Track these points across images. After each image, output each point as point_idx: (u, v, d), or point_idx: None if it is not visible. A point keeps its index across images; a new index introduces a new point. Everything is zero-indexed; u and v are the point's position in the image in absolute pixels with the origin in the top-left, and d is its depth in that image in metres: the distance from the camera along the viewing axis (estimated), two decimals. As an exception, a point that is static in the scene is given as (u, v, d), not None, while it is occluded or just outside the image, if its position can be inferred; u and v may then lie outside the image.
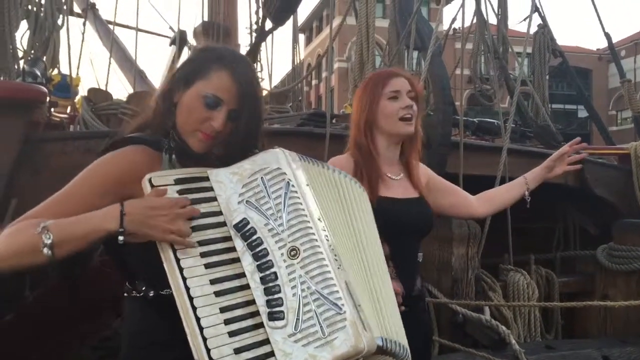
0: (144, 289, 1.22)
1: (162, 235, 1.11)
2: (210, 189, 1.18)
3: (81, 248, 1.16)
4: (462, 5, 3.86)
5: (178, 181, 1.17)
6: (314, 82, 30.46)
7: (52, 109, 4.17)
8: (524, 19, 4.70)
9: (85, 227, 1.13)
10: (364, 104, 1.83)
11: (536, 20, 5.03)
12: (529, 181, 2.00)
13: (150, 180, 1.15)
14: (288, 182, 1.18)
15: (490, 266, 3.53)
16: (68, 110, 5.04)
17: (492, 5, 4.82)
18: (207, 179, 1.19)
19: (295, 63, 7.49)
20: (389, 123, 1.79)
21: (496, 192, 2.10)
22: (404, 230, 1.76)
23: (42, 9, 4.37)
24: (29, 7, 4.29)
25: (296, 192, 1.17)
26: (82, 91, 5.24)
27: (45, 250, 1.10)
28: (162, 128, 1.28)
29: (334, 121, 3.71)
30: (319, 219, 1.18)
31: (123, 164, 1.23)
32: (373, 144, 1.83)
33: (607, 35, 5.34)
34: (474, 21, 4.72)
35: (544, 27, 5.15)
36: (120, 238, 1.12)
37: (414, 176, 1.87)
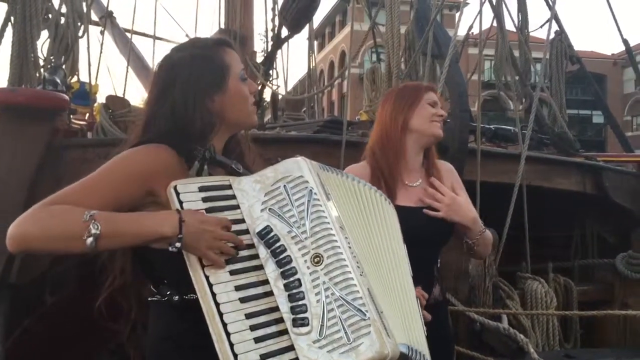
0: (168, 293, 1.23)
1: (204, 251, 1.12)
2: (233, 197, 1.20)
3: (125, 245, 1.18)
4: (480, 13, 3.85)
5: (202, 189, 1.18)
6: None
7: (72, 116, 4.22)
8: (541, 26, 4.67)
9: (139, 227, 1.14)
10: (401, 105, 1.89)
11: (553, 27, 4.98)
12: None
13: (175, 188, 1.16)
14: (311, 190, 1.19)
15: (508, 274, 3.50)
16: (86, 117, 5.11)
17: (509, 13, 4.78)
18: (229, 187, 1.21)
19: (310, 69, 7.52)
20: (424, 123, 1.87)
21: None
22: (418, 240, 1.75)
23: (62, 17, 4.44)
24: (50, 15, 4.36)
25: (319, 200, 1.18)
26: (100, 98, 5.31)
27: (90, 240, 1.09)
28: (203, 137, 1.29)
29: (350, 128, 3.72)
30: (341, 227, 1.19)
31: (144, 157, 1.25)
32: (402, 145, 1.87)
33: (625, 42, 5.28)
34: (493, 25, 4.67)
35: (561, 33, 5.11)
36: (178, 244, 1.12)
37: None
